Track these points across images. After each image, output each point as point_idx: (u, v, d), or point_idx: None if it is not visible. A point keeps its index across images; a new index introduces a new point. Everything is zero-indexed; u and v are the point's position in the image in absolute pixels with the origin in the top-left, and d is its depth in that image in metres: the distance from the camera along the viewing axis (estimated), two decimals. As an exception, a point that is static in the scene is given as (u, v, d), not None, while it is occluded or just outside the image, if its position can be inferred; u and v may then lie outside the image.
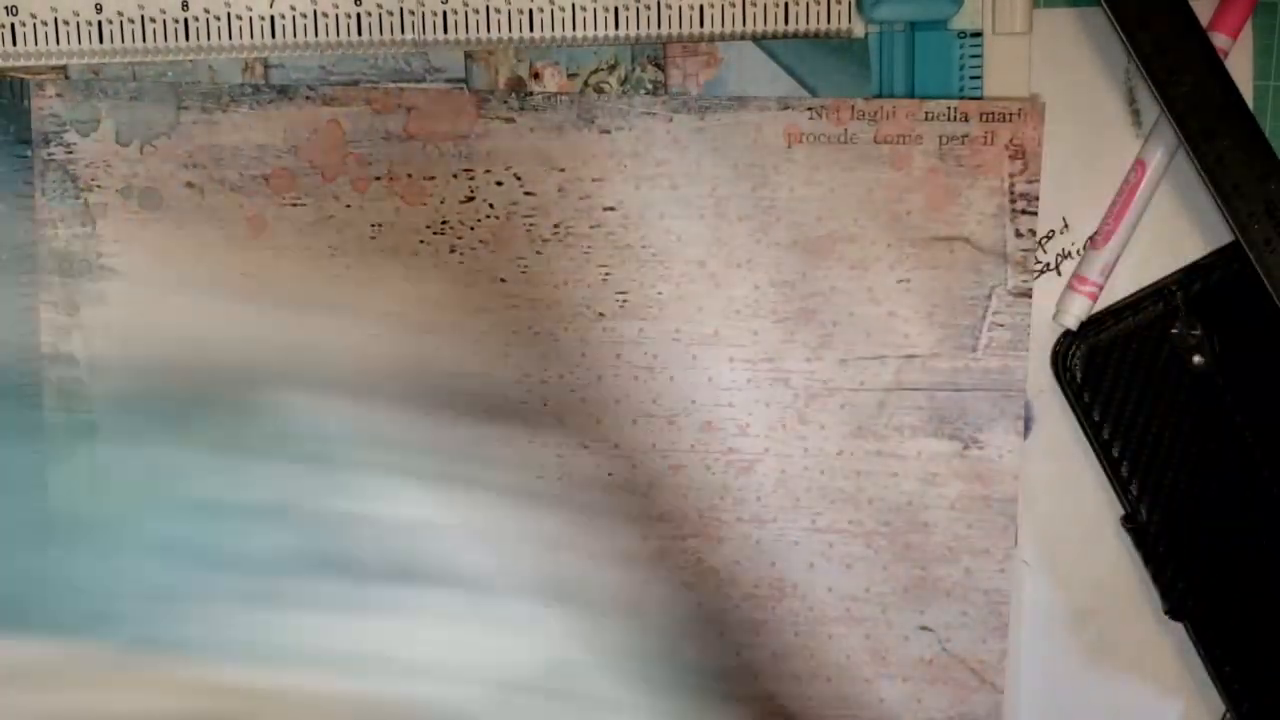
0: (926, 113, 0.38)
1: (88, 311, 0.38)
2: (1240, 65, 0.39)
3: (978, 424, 0.39)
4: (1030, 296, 0.39)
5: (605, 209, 0.38)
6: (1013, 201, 0.38)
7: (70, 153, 0.37)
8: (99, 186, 0.37)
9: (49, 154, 0.37)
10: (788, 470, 0.39)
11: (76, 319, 0.38)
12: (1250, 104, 0.38)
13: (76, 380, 0.38)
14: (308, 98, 0.37)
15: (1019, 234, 0.38)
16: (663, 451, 0.39)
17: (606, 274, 0.38)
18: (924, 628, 0.40)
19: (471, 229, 0.38)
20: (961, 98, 0.38)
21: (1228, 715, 0.41)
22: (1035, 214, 0.38)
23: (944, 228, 0.38)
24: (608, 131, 0.38)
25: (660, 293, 0.38)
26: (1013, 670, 0.41)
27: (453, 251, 0.38)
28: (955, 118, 0.38)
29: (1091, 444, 0.40)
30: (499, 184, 0.38)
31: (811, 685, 0.40)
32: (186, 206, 0.38)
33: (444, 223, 0.38)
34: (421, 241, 0.38)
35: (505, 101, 0.37)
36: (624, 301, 0.38)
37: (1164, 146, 0.39)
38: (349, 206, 0.38)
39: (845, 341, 0.39)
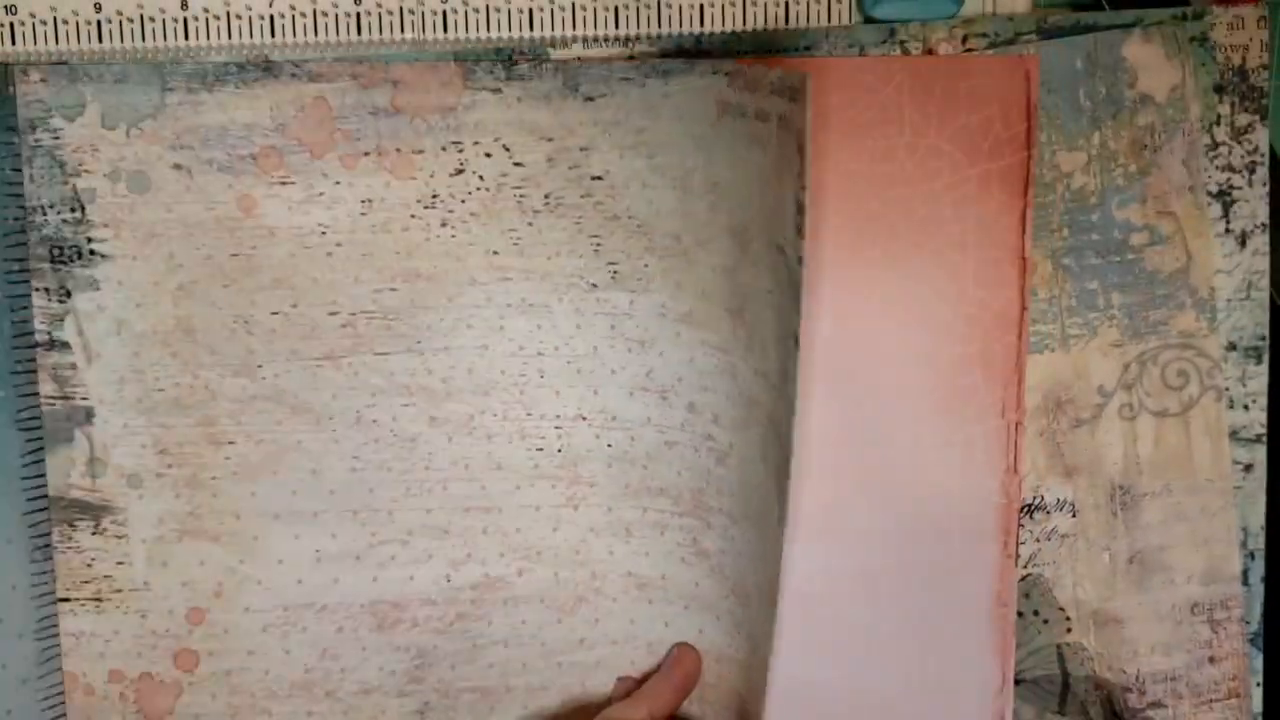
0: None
1: (80, 296, 0.38)
2: (1241, 66, 0.39)
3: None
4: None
5: (593, 178, 0.38)
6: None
7: (57, 138, 0.37)
8: (87, 171, 0.37)
9: (35, 140, 0.37)
10: (748, 474, 0.38)
11: (69, 304, 0.38)
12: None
13: (70, 365, 0.38)
14: (293, 75, 0.37)
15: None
16: (658, 426, 0.39)
17: (598, 244, 0.38)
18: None
19: (462, 202, 0.38)
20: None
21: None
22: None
23: None
24: (592, 99, 0.37)
25: (646, 265, 0.38)
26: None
27: (444, 225, 0.38)
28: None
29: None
30: (488, 155, 0.38)
31: None
32: (175, 188, 0.37)
33: (434, 196, 0.38)
34: (413, 216, 0.38)
35: (491, 72, 0.37)
36: (615, 272, 0.38)
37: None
38: (338, 183, 0.38)
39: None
